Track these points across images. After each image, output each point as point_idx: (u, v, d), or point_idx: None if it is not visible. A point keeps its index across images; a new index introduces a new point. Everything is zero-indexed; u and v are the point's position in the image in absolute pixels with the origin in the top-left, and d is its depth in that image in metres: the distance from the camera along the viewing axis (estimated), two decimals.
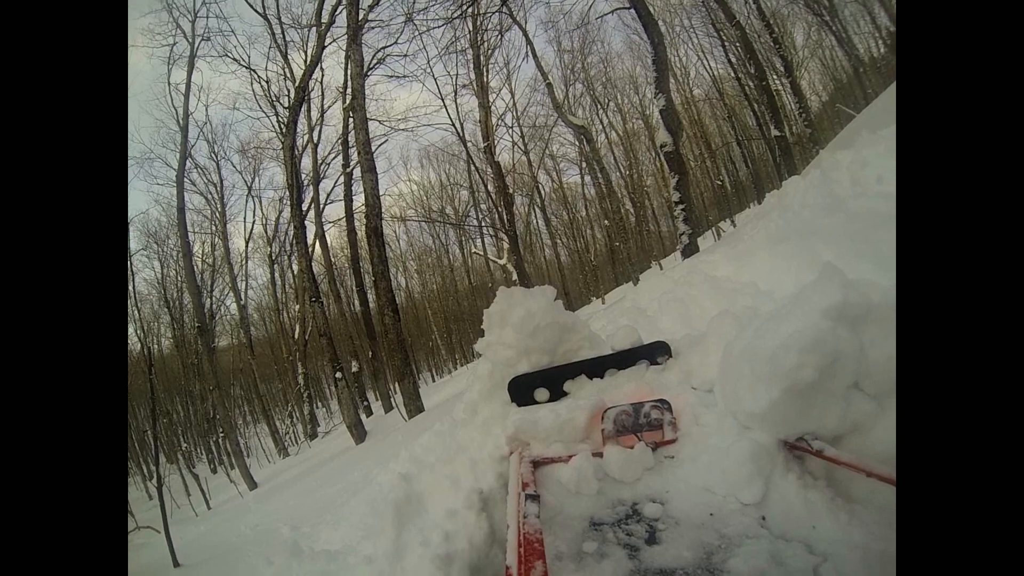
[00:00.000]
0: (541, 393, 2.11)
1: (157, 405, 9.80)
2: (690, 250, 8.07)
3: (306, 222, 14.58)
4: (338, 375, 12.67)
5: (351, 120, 14.71)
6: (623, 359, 2.16)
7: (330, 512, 3.26)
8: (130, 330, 23.45)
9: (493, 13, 12.20)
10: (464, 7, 10.16)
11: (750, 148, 24.78)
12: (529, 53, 15.64)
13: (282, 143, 15.25)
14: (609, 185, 20.66)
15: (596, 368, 2.15)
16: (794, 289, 2.08)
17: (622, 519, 1.50)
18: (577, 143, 21.35)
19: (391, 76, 15.30)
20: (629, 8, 8.67)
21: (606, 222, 22.69)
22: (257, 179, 23.58)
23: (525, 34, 14.94)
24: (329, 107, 18.02)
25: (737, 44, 14.89)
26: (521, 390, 2.12)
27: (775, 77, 16.92)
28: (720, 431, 1.62)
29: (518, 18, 13.72)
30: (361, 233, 16.72)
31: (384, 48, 14.43)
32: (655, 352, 2.16)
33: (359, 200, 16.46)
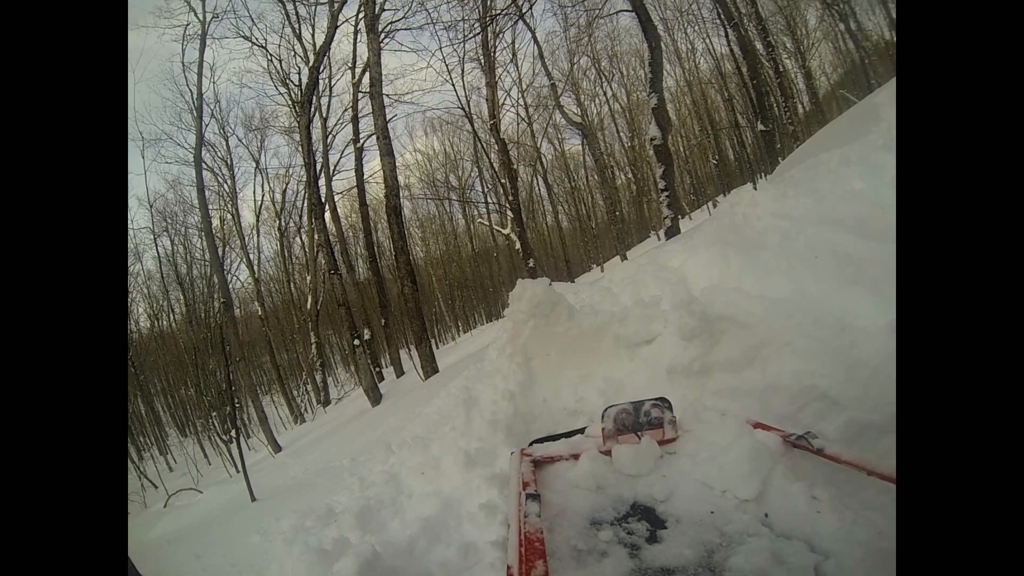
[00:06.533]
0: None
1: (231, 362, 10.41)
2: (672, 231, 9.07)
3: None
4: (356, 342, 13.56)
5: (360, 95, 15.34)
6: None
7: (390, 436, 4.38)
8: (144, 306, 24.36)
9: (509, 25, 12.60)
10: (480, 21, 10.67)
11: (753, 128, 25.07)
12: (536, 50, 16.03)
13: (297, 121, 15.82)
14: (603, 171, 21.11)
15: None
16: (714, 280, 3.10)
17: (623, 517, 1.51)
18: (580, 116, 21.80)
19: (399, 50, 15.65)
20: (631, 11, 9.28)
21: (601, 202, 23.35)
22: (263, 154, 23.87)
23: (535, 41, 15.27)
24: (337, 81, 18.28)
25: (733, 45, 15.36)
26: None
27: (770, 73, 17.29)
28: (721, 429, 1.69)
29: (530, 24, 14.16)
30: (369, 203, 17.47)
31: (392, 23, 14.53)
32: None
33: (367, 169, 17.18)
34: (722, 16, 13.75)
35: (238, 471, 12.70)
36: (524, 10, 10.40)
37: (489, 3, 12.72)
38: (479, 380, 3.46)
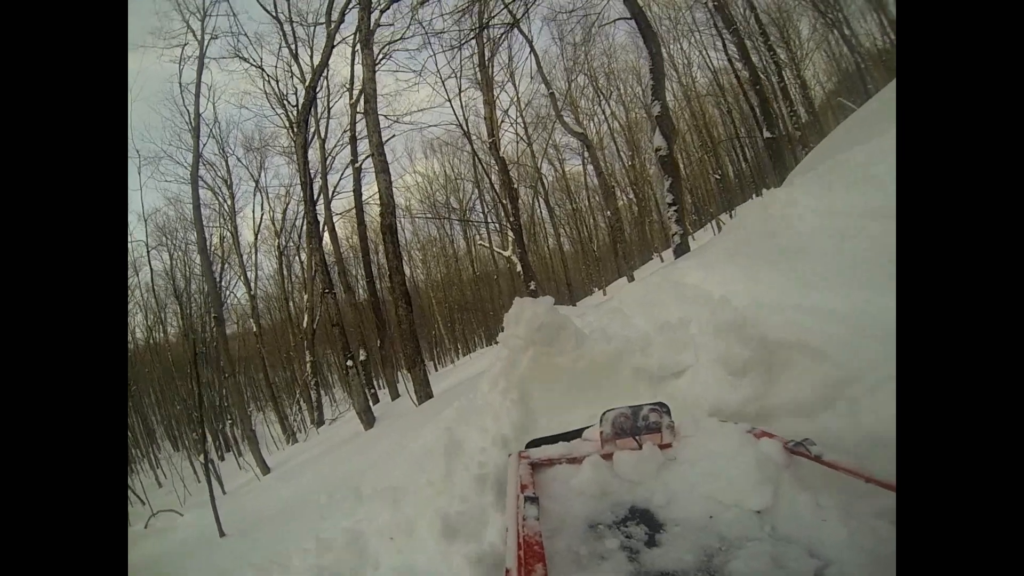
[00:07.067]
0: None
1: (202, 390, 10.10)
2: (681, 249, 8.55)
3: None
4: (349, 363, 13.18)
5: (359, 117, 15.12)
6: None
7: (369, 474, 3.85)
8: (140, 318, 24.19)
9: (504, 34, 12.46)
10: (475, 29, 10.43)
11: (754, 143, 25.04)
12: (533, 59, 15.89)
13: (293, 141, 15.65)
14: (606, 187, 20.95)
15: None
16: (743, 298, 2.62)
17: (621, 521, 1.51)
18: (579, 141, 21.66)
19: (396, 71, 15.66)
20: (630, 19, 8.95)
21: (608, 212, 23.05)
22: (263, 174, 23.94)
23: (533, 50, 15.13)
24: (335, 103, 18.24)
25: (735, 48, 15.15)
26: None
27: (775, 72, 17.14)
28: (720, 435, 1.66)
29: (523, 28, 14.02)
30: (369, 224, 17.25)
31: (390, 44, 14.70)
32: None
33: (366, 191, 16.89)
34: (721, 22, 13.50)
35: (224, 492, 12.59)
36: (519, 15, 10.06)
37: (484, 18, 12.62)
38: (465, 419, 2.87)
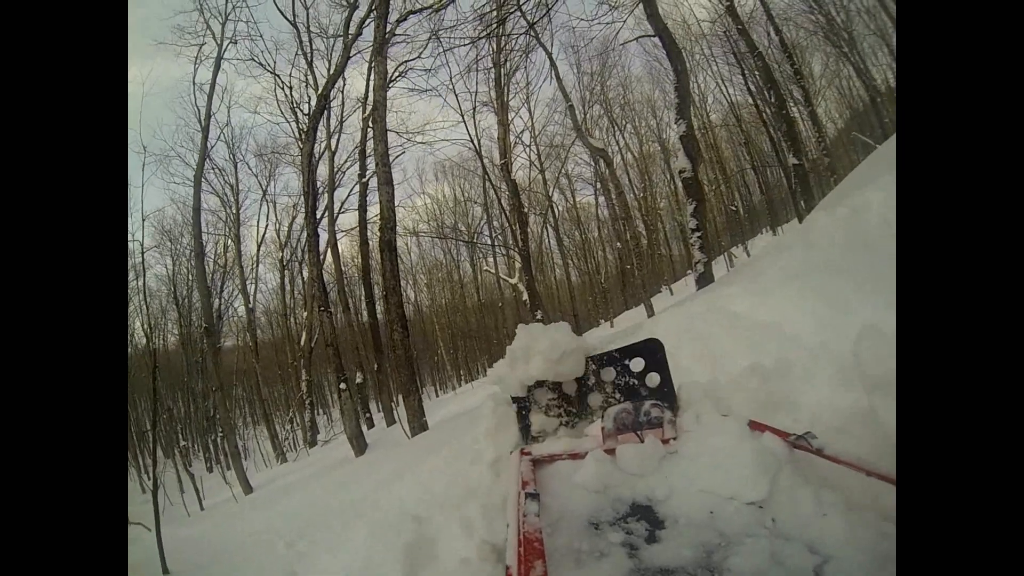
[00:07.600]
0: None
1: (159, 404, 9.69)
2: (705, 279, 8.01)
3: (319, 230, 14.49)
4: (342, 386, 12.61)
5: (370, 130, 14.91)
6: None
7: (328, 531, 3.16)
8: (137, 325, 23.78)
9: (519, 36, 12.24)
10: (490, 27, 10.13)
11: (764, 175, 24.94)
12: (552, 76, 15.69)
13: (300, 149, 15.40)
14: (625, 208, 20.67)
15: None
16: (819, 333, 1.98)
17: (621, 518, 1.49)
18: (593, 164, 21.36)
19: (412, 89, 15.44)
20: (654, 36, 8.68)
21: (619, 244, 22.65)
22: (272, 183, 23.71)
23: (549, 56, 15.00)
24: (348, 117, 18.01)
25: (756, 73, 14.87)
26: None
27: (793, 105, 16.93)
28: (721, 429, 1.61)
29: (543, 40, 13.87)
30: (373, 244, 16.84)
31: (407, 61, 14.57)
32: (646, 352, 1.96)
33: (372, 211, 16.59)
34: (742, 48, 13.24)
35: (202, 509, 12.02)
36: (534, 19, 9.73)
37: (502, 44, 12.22)
38: (444, 502, 2.02)
